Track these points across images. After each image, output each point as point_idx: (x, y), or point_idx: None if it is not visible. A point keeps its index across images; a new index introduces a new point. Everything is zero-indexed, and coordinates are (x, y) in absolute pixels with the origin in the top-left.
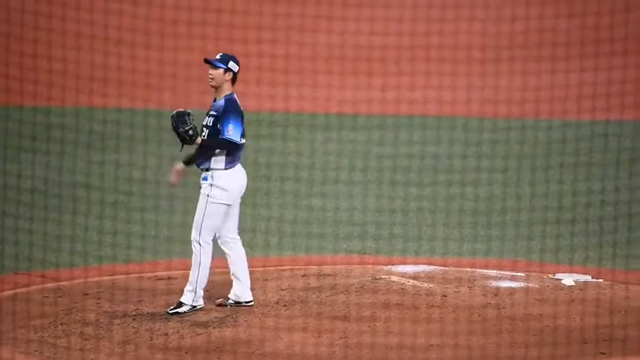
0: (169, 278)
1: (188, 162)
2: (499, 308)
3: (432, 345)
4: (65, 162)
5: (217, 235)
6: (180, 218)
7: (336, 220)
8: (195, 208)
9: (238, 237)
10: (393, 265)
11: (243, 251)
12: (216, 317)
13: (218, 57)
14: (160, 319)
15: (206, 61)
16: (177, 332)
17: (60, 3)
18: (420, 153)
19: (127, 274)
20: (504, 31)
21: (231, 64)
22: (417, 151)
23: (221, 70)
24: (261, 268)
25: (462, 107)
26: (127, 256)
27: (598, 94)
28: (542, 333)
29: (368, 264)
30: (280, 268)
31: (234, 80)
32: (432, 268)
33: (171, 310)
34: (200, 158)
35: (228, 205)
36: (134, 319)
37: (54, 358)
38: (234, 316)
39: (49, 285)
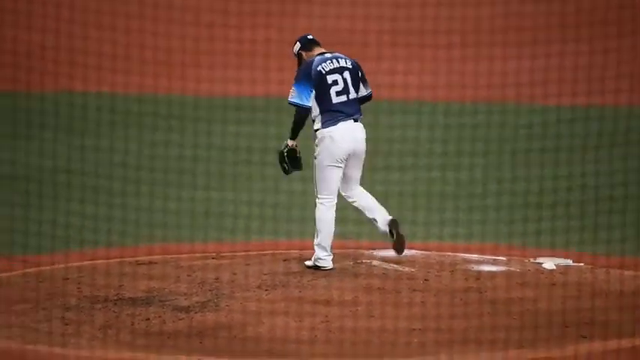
0: (150, 263)
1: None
2: (481, 292)
3: (413, 329)
4: (45, 147)
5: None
6: (162, 203)
7: None
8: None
9: (356, 189)
10: (374, 249)
11: (368, 195)
12: (197, 302)
13: None
14: (141, 304)
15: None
16: (159, 317)
17: None
18: (400, 137)
19: (108, 258)
20: (484, 15)
21: (294, 51)
22: (397, 136)
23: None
24: (242, 253)
25: (442, 92)
26: (107, 240)
27: (579, 79)
28: (524, 317)
29: (349, 248)
30: (262, 252)
31: (306, 49)
32: (414, 252)
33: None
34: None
35: (333, 165)
36: (115, 304)
37: (35, 342)
38: (215, 300)
39: (31, 270)
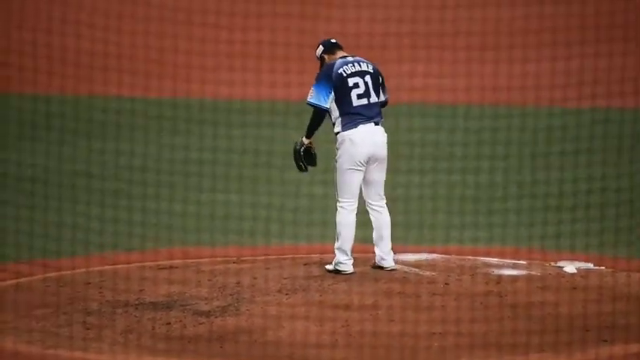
0: (171, 267)
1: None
2: (501, 296)
3: (434, 333)
4: (65, 150)
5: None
6: (181, 207)
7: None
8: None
9: (381, 203)
10: (394, 253)
11: (387, 218)
12: (218, 306)
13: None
14: (162, 308)
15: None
16: (180, 321)
17: None
18: (420, 140)
19: (128, 263)
20: (504, 18)
21: (317, 54)
22: (417, 139)
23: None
24: (262, 257)
25: (462, 95)
26: (128, 244)
27: (599, 81)
28: (544, 320)
29: (370, 252)
30: (282, 256)
31: (329, 52)
32: (434, 256)
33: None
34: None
35: (353, 168)
36: (136, 309)
37: (56, 347)
38: (235, 305)
39: (51, 274)
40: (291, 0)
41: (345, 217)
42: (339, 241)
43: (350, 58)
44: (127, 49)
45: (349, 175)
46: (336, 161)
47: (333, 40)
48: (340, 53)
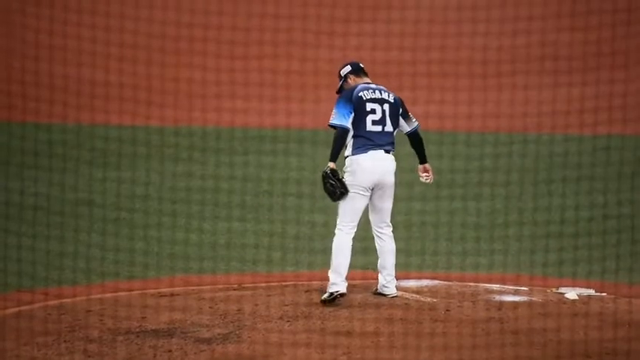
0: (172, 295)
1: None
2: (502, 322)
3: None
4: (67, 179)
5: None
6: (183, 235)
7: None
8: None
9: (386, 231)
10: (396, 279)
11: (391, 246)
12: (219, 333)
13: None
14: (164, 335)
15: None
16: (181, 349)
17: (61, 20)
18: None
19: (129, 290)
20: (506, 45)
21: (342, 72)
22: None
23: (339, 81)
24: (264, 284)
25: (463, 122)
26: (129, 272)
27: (600, 108)
28: (546, 347)
29: (371, 279)
30: (283, 283)
31: (355, 74)
32: (436, 282)
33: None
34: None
35: (358, 193)
36: (137, 336)
37: None
38: (237, 332)
39: (52, 302)
40: (293, 28)
41: (340, 240)
42: (334, 263)
43: (373, 85)
44: (129, 77)
45: (353, 200)
46: None
47: (362, 65)
48: (365, 79)
